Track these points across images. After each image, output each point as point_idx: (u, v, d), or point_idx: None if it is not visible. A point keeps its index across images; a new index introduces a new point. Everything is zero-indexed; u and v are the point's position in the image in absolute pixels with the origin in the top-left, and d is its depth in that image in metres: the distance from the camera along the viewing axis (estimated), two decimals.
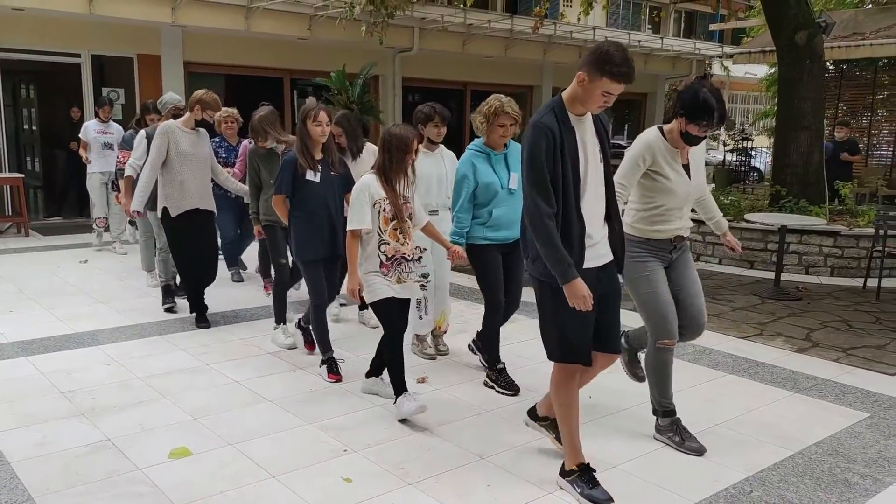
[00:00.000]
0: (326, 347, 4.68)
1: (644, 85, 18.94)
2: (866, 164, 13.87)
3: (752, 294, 7.10)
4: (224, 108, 7.27)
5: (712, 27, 19.73)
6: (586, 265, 3.09)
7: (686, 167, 3.62)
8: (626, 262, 3.40)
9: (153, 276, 6.98)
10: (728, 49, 17.66)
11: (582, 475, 3.22)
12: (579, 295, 2.99)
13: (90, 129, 9.20)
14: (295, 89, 13.67)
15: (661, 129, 3.61)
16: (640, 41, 16.44)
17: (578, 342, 3.15)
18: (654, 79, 19.21)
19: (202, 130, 5.79)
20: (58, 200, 11.64)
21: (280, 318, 5.31)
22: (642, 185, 3.61)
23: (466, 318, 5.95)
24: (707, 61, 19.34)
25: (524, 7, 17.11)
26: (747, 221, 8.41)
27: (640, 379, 4.18)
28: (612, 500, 3.15)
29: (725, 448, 3.70)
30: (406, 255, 4.00)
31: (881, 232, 7.27)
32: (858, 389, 4.53)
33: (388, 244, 3.96)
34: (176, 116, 6.00)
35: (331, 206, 4.64)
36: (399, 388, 3.97)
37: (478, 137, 4.50)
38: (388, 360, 4.06)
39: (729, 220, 8.50)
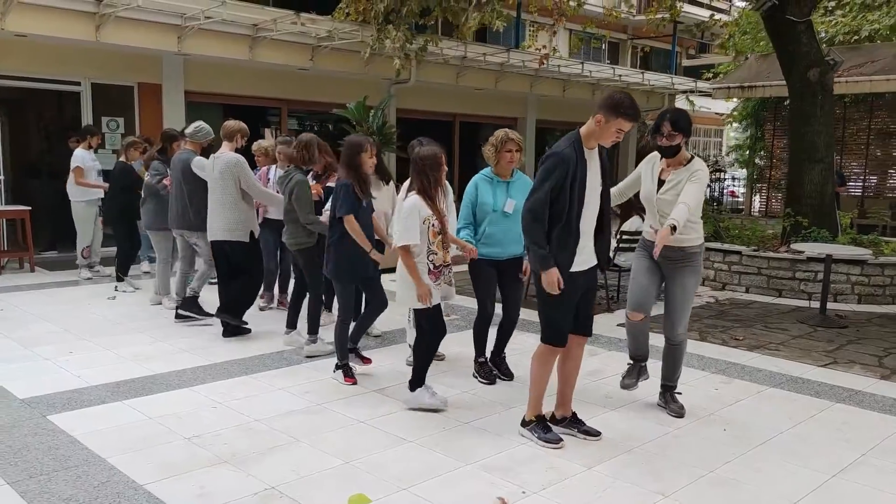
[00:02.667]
0: (343, 355, 5.16)
1: None
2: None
3: (799, 322, 7.28)
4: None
5: (686, 63, 20.40)
6: (574, 269, 3.91)
7: (662, 182, 4.43)
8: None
9: (170, 300, 7.27)
10: (702, 84, 18.28)
11: (538, 423, 4.12)
12: (550, 281, 3.81)
13: (87, 157, 8.98)
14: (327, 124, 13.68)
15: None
16: (620, 76, 16.89)
17: (563, 328, 4.00)
18: None
19: None
20: (54, 234, 11.08)
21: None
22: None
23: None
24: (680, 95, 19.94)
25: (493, 38, 17.39)
26: (775, 252, 8.68)
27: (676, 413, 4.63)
28: (563, 440, 4.06)
29: (889, 479, 3.76)
30: (447, 263, 4.64)
31: None
32: None
33: (437, 254, 4.55)
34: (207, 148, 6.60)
35: (371, 230, 5.06)
36: (420, 381, 4.57)
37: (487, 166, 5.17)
38: (417, 355, 4.59)
39: (753, 250, 8.82)
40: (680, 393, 4.73)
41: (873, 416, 4.69)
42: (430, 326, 4.56)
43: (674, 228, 4.03)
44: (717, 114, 25.34)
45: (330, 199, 5.18)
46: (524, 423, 4.19)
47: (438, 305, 4.58)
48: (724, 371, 5.55)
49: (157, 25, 10.58)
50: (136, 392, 4.84)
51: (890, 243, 9.02)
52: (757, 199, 17.47)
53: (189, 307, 6.65)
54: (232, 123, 6.15)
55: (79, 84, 10.81)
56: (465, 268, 5.27)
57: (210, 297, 6.77)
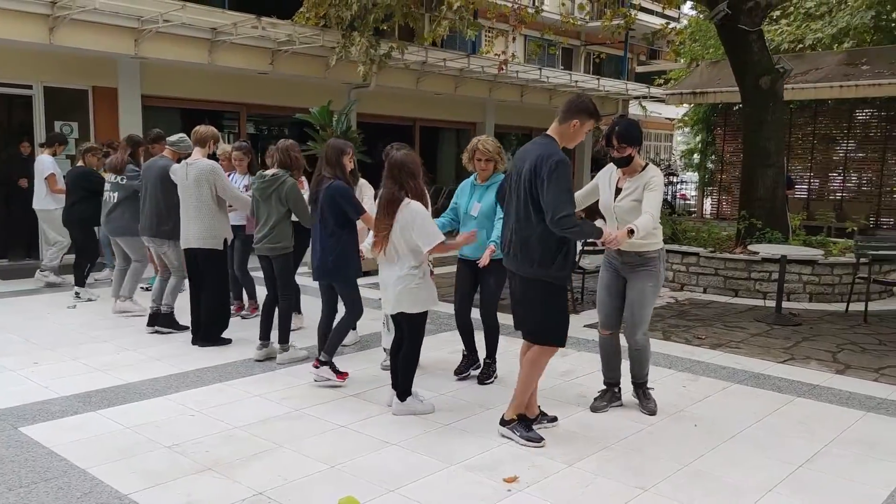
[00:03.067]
0: (333, 352, 5.22)
1: None
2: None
3: (756, 320, 7.54)
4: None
5: (639, 69, 20.85)
6: None
7: (620, 190, 4.52)
8: None
9: (135, 303, 7.30)
10: (655, 90, 18.70)
11: (520, 423, 4.21)
12: (616, 237, 4.12)
13: (56, 164, 8.78)
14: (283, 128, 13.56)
15: None
16: (576, 81, 17.17)
17: (566, 329, 4.17)
18: None
19: None
20: (4, 242, 10.76)
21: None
22: None
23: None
24: (633, 101, 20.36)
25: (448, 44, 17.53)
26: (731, 253, 8.98)
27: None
28: (544, 439, 4.15)
29: (852, 467, 3.95)
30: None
31: (864, 260, 7.96)
32: None
33: (431, 256, 4.66)
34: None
35: None
36: (409, 390, 4.61)
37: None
38: (409, 364, 4.59)
39: (710, 251, 9.09)
40: (652, 388, 4.87)
41: (832, 408, 4.91)
42: (416, 330, 4.59)
43: (631, 232, 4.15)
44: (667, 119, 25.94)
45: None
46: (504, 423, 4.26)
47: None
48: (689, 369, 5.73)
49: (114, 28, 10.40)
50: (108, 402, 4.77)
51: (838, 244, 9.40)
52: (708, 201, 17.97)
53: (166, 324, 6.57)
54: (204, 129, 6.09)
55: (31, 88, 10.53)
56: (442, 270, 5.36)
57: (181, 304, 6.72)
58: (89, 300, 7.91)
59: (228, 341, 6.20)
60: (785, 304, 8.09)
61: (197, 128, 6.17)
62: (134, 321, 6.99)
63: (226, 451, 4.01)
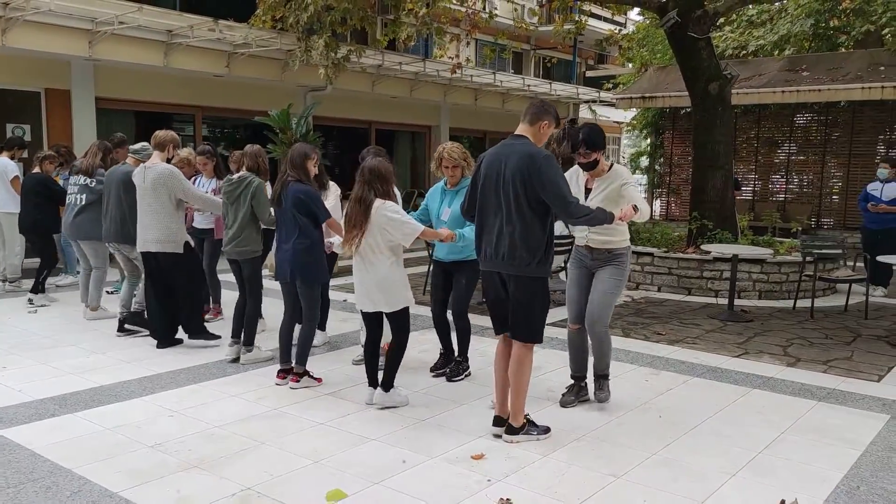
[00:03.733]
0: (305, 361, 5.27)
1: None
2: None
3: (709, 317, 7.86)
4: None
5: (589, 74, 21.28)
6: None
7: (589, 191, 4.74)
8: None
9: (105, 310, 7.23)
10: (605, 94, 19.13)
11: (531, 424, 4.32)
12: (627, 213, 4.26)
13: (15, 167, 8.64)
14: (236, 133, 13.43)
15: None
16: (529, 85, 17.49)
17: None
18: None
19: None
20: None
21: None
22: None
23: (485, 349, 6.18)
24: (583, 105, 20.78)
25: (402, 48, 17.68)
26: (683, 253, 9.33)
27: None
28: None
29: (808, 453, 4.22)
30: None
31: (808, 259, 8.38)
32: (867, 395, 5.26)
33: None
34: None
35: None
36: (392, 381, 4.79)
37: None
38: (397, 356, 4.80)
39: (664, 251, 9.43)
40: (607, 377, 4.99)
41: (786, 398, 5.20)
42: (402, 324, 4.76)
43: (635, 208, 4.33)
44: (615, 122, 26.58)
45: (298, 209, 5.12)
46: (515, 431, 4.25)
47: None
48: (650, 364, 5.98)
49: (67, 30, 10.26)
50: (85, 404, 4.77)
51: (784, 243, 9.84)
52: (657, 203, 18.46)
53: (137, 321, 6.53)
54: (163, 133, 6.10)
55: None
56: (410, 271, 5.48)
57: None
58: (44, 305, 7.79)
59: (218, 337, 6.24)
60: (736, 302, 8.45)
61: (157, 132, 6.18)
62: (100, 325, 6.94)
63: (209, 449, 4.07)
